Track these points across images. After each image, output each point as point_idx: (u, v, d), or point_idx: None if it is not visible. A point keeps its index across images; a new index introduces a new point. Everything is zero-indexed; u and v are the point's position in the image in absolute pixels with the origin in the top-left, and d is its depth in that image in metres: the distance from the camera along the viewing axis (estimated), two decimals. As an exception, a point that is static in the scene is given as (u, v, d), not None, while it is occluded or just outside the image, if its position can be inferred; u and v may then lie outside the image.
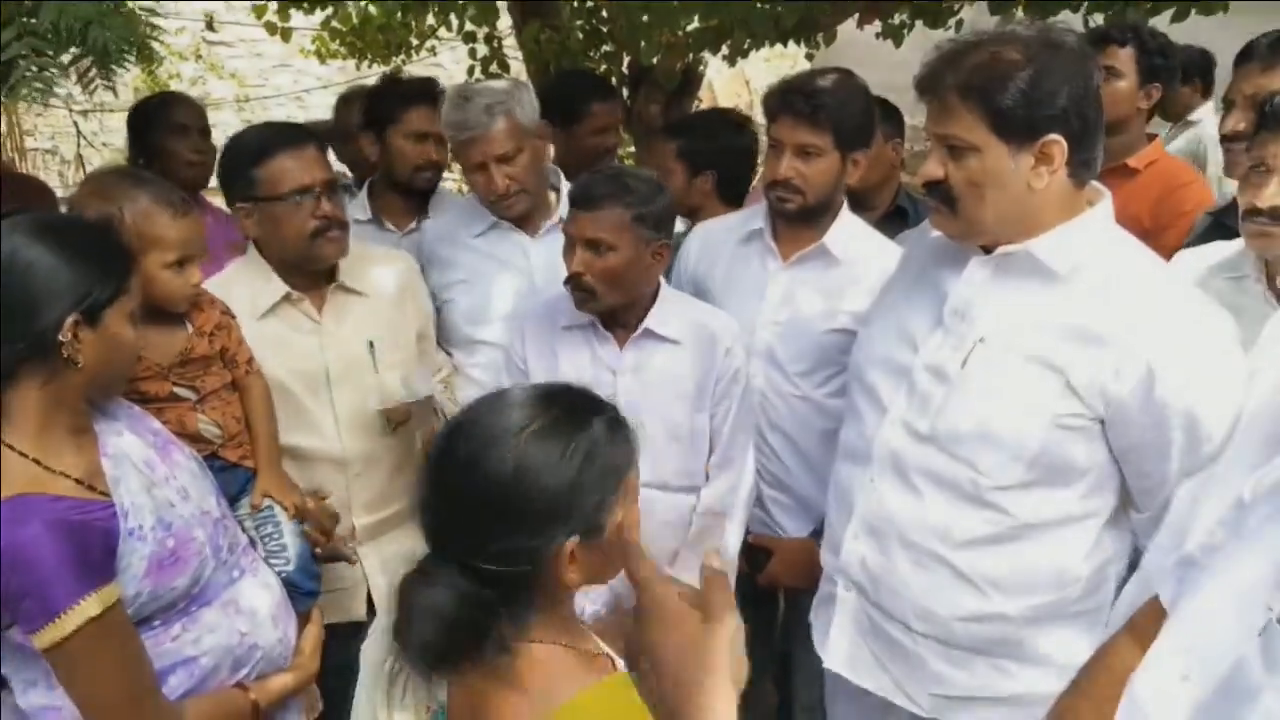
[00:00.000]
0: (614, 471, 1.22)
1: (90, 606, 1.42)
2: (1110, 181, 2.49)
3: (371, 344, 2.27)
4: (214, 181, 2.51)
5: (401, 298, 2.39)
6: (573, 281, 2.12)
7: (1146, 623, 1.37)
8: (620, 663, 1.33)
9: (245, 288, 2.20)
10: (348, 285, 2.28)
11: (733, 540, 2.29)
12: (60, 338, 1.46)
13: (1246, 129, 2.14)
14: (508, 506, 1.17)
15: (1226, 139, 2.34)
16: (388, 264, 2.43)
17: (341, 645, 1.97)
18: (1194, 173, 2.96)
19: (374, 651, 1.31)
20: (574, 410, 1.23)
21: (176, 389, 1.91)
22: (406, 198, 2.96)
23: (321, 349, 2.24)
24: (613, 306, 2.16)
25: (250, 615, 1.70)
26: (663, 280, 2.26)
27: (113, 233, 1.64)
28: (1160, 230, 2.63)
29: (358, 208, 2.94)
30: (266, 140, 2.18)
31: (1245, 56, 2.43)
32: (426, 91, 2.93)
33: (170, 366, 1.90)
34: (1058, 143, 1.59)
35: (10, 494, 1.41)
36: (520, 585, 1.18)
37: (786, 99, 2.24)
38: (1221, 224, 2.34)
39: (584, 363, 2.20)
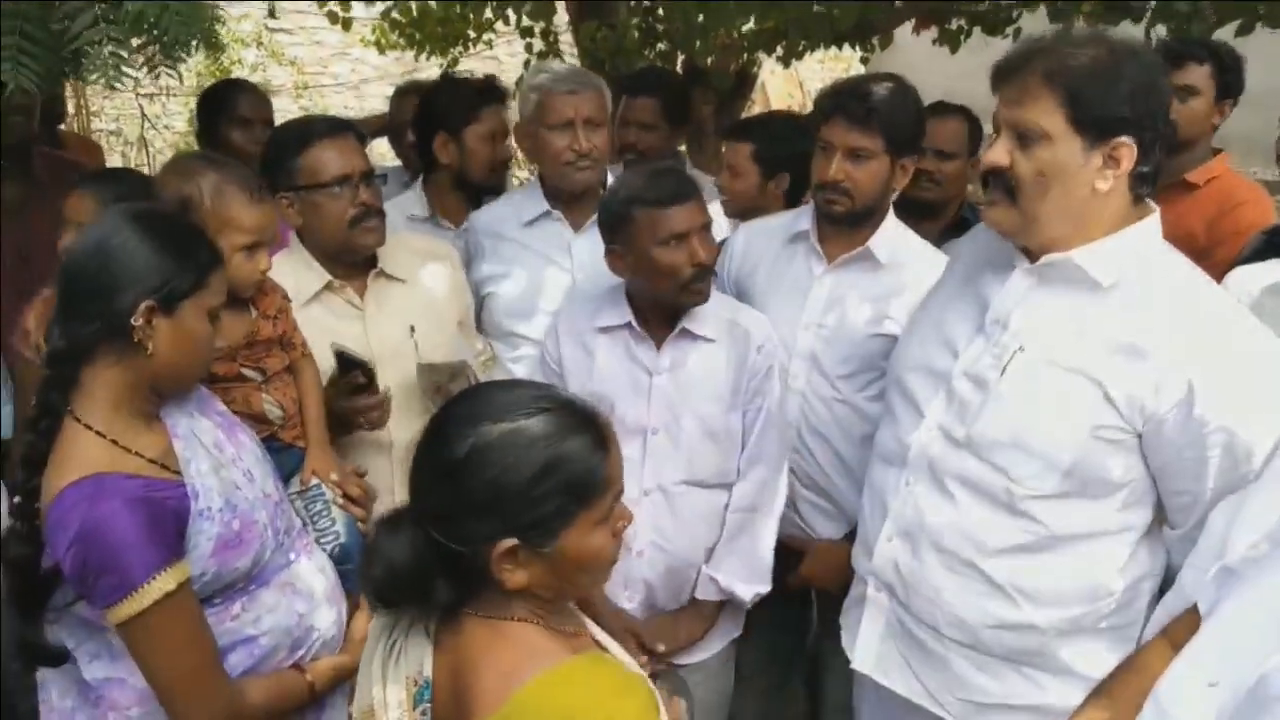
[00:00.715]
0: (579, 490, 1.23)
1: (166, 582, 1.47)
2: (1168, 196, 2.47)
3: (413, 328, 2.30)
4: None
5: (442, 285, 2.43)
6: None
7: (1182, 632, 1.37)
8: (615, 650, 1.35)
9: (289, 277, 2.24)
10: (388, 272, 2.32)
11: (767, 537, 2.30)
12: (133, 321, 1.50)
13: None
14: (456, 487, 1.22)
15: None
16: (428, 253, 2.48)
17: None
18: (1255, 190, 2.91)
19: (378, 625, 1.36)
20: (558, 419, 1.25)
21: (244, 370, 1.96)
22: (468, 196, 2.99)
23: (365, 334, 2.28)
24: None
25: (307, 596, 1.73)
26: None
27: (201, 230, 1.68)
28: (1214, 246, 2.59)
29: (415, 203, 2.98)
30: (307, 131, 2.24)
31: None
32: (495, 90, 2.99)
33: (237, 348, 1.94)
34: (1128, 146, 1.58)
35: (88, 472, 1.46)
36: (459, 563, 1.23)
37: (840, 101, 2.26)
38: (1275, 243, 2.31)
39: (620, 363, 2.22)
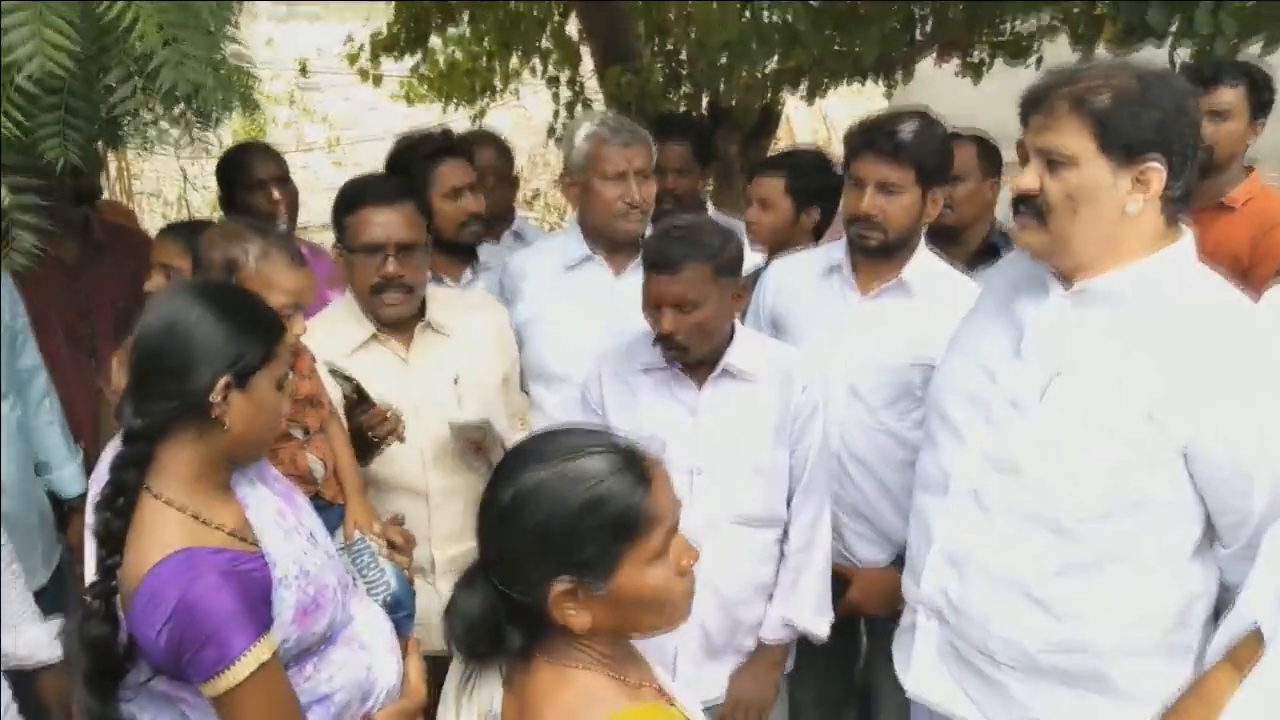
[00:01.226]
0: (621, 526, 1.25)
1: (261, 652, 1.48)
2: (1207, 218, 2.46)
3: (456, 379, 2.35)
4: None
5: (489, 342, 2.47)
6: (664, 341, 2.16)
7: (1247, 653, 1.35)
8: (680, 701, 1.36)
9: (339, 325, 2.32)
10: (435, 325, 2.38)
11: (826, 570, 2.31)
12: (211, 399, 1.52)
13: None
14: (506, 533, 1.27)
15: None
16: (479, 310, 2.54)
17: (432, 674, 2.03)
18: None
19: (458, 660, 1.39)
20: (599, 460, 1.26)
21: (290, 427, 1.99)
22: (453, 252, 2.88)
23: (408, 385, 2.32)
24: (705, 355, 2.20)
25: (372, 649, 1.75)
26: (737, 319, 2.30)
27: (264, 302, 1.71)
28: (1255, 266, 2.58)
29: None
30: (360, 192, 2.31)
31: None
32: (449, 145, 2.91)
33: None
34: (1157, 169, 1.60)
35: (176, 548, 1.48)
36: (524, 610, 1.27)
37: (869, 136, 2.30)
38: None
39: (662, 404, 2.24)
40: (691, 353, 2.17)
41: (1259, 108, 2.82)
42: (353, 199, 2.29)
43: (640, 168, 2.56)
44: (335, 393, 2.21)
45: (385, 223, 2.25)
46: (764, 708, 2.29)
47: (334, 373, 2.18)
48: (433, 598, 2.31)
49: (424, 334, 2.37)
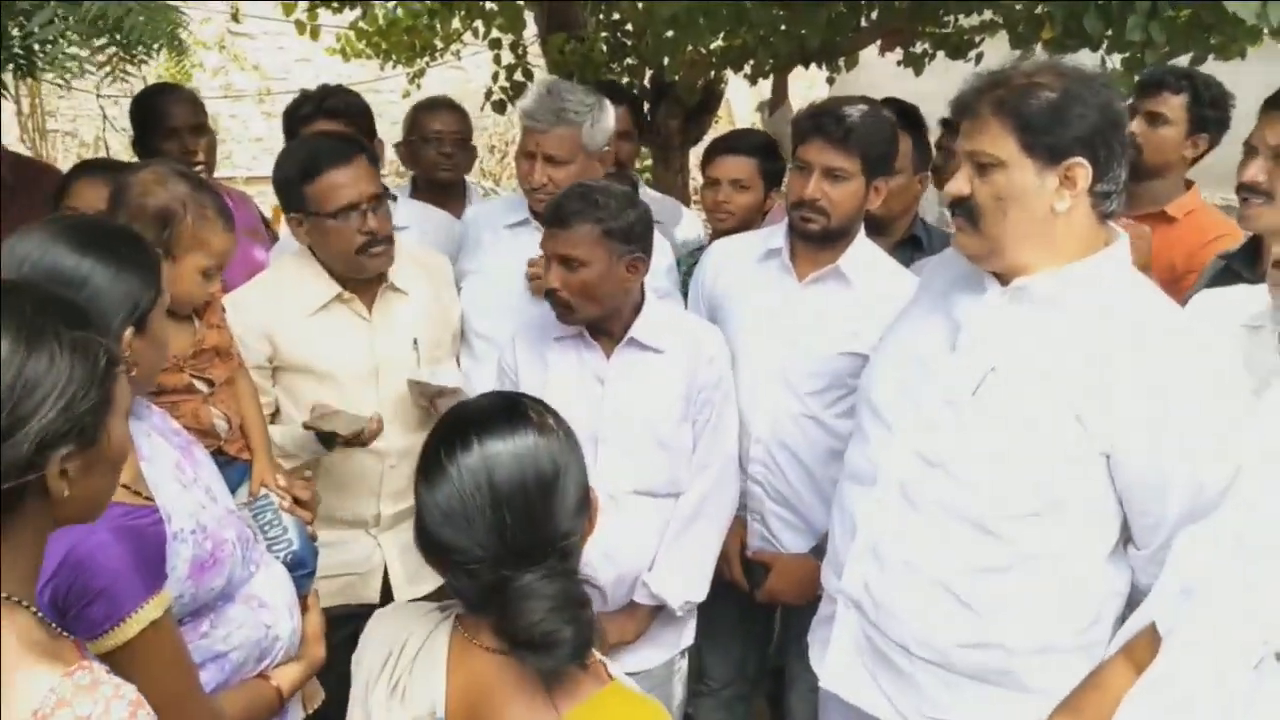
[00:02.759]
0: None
1: (152, 610, 1.44)
2: (1149, 226, 2.50)
3: (416, 341, 2.37)
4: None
5: (440, 298, 2.50)
6: (550, 296, 2.18)
7: (1141, 648, 1.39)
8: (611, 665, 1.36)
9: (298, 285, 2.31)
10: (396, 285, 2.38)
11: (708, 547, 2.33)
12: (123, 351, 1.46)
13: (1266, 182, 2.11)
14: (563, 485, 1.29)
15: (1244, 188, 2.20)
16: (427, 265, 2.54)
17: (340, 623, 2.00)
18: (1230, 225, 2.91)
19: (370, 660, 1.34)
20: (526, 400, 1.36)
21: (194, 380, 1.95)
22: None
23: (371, 346, 2.34)
24: (591, 318, 2.21)
25: (270, 607, 1.73)
26: (649, 291, 2.31)
27: (139, 235, 1.64)
28: (1185, 275, 2.64)
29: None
30: (317, 156, 2.25)
31: (1273, 104, 2.26)
32: (319, 108, 2.91)
33: (185, 358, 1.92)
34: (1082, 166, 1.63)
35: None
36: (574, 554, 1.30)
37: (819, 122, 2.30)
38: (1232, 269, 2.36)
39: (572, 371, 2.25)
40: (576, 313, 2.18)
41: (1201, 123, 2.86)
42: (309, 165, 2.24)
43: (549, 153, 2.54)
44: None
45: (354, 180, 2.22)
46: (608, 641, 2.24)
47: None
48: (374, 551, 2.37)
49: (385, 294, 2.38)
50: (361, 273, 2.31)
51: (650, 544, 2.26)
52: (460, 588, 1.29)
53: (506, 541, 1.23)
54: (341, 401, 2.27)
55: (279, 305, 2.30)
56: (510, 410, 1.31)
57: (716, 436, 2.29)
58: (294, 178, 2.25)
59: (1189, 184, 2.96)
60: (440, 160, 3.42)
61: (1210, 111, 2.84)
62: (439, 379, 2.34)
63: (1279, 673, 1.09)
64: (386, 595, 2.38)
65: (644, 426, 2.22)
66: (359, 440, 2.24)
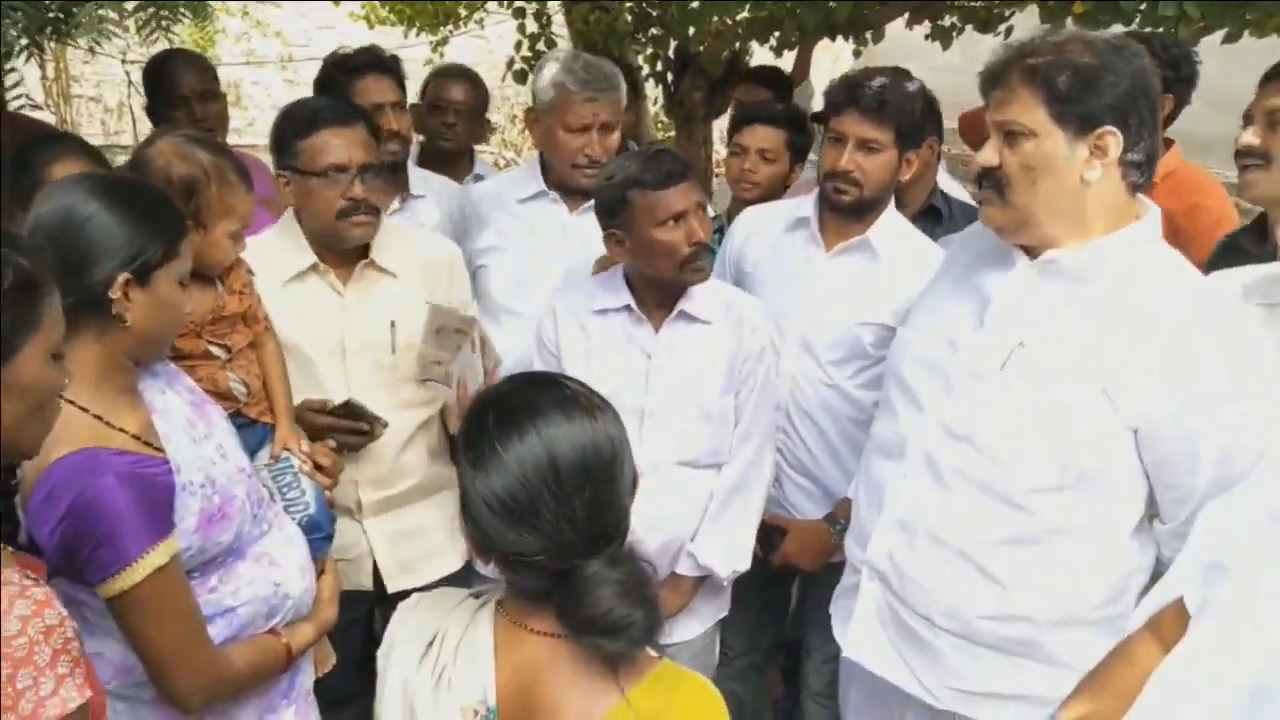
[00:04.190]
0: None
1: (158, 556, 1.48)
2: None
3: (393, 324, 2.27)
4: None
5: (436, 284, 2.37)
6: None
7: (1169, 624, 1.39)
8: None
9: (278, 252, 2.24)
10: (379, 264, 2.29)
11: (751, 516, 2.33)
12: (111, 294, 1.49)
13: (1261, 146, 2.12)
14: (621, 471, 1.27)
15: (1241, 154, 2.20)
16: (429, 248, 2.44)
17: (343, 611, 1.99)
18: (1214, 185, 2.90)
19: (404, 654, 1.32)
20: (568, 381, 1.32)
21: (210, 346, 1.96)
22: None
23: (341, 322, 2.26)
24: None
25: (281, 566, 1.75)
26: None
27: (167, 197, 1.67)
28: (1184, 246, 2.60)
29: None
30: (315, 114, 2.22)
31: (1271, 76, 2.25)
32: (374, 61, 2.81)
33: (204, 324, 1.93)
34: (1113, 134, 1.62)
35: (76, 447, 1.45)
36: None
37: (854, 94, 2.29)
38: (1238, 246, 2.32)
39: (618, 346, 2.24)
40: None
41: (1165, 83, 2.83)
42: (306, 121, 2.19)
43: (606, 121, 2.52)
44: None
45: (347, 144, 2.17)
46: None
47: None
48: (361, 538, 2.32)
49: (365, 271, 2.28)
50: (340, 241, 2.22)
51: (693, 515, 2.27)
52: (519, 579, 1.26)
53: (578, 530, 1.20)
54: (308, 377, 2.22)
55: (257, 271, 2.19)
56: (558, 393, 1.27)
57: (759, 407, 2.29)
58: (288, 133, 2.20)
59: (1168, 143, 2.92)
60: (441, 129, 3.41)
61: (1171, 72, 2.80)
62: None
63: None
64: (380, 583, 2.35)
65: (690, 399, 2.21)
66: (367, 438, 2.21)
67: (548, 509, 1.19)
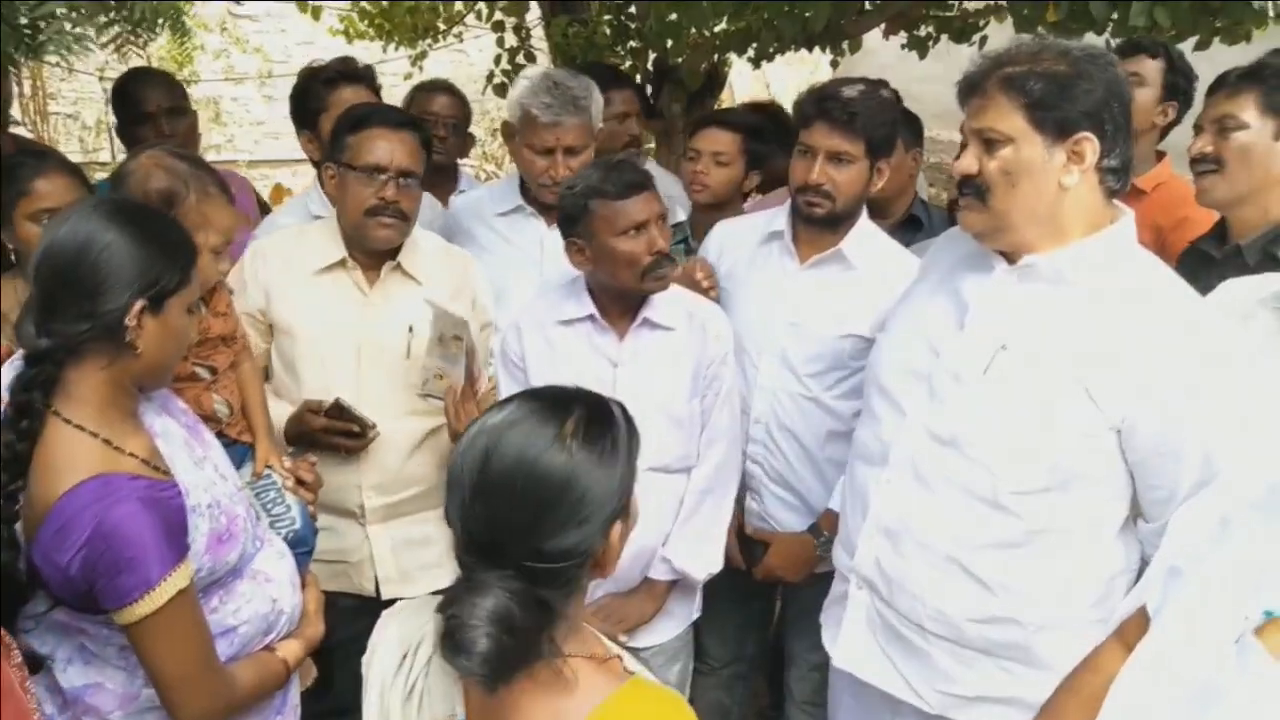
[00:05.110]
0: (634, 454, 1.27)
1: (179, 580, 1.47)
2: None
3: (411, 329, 2.29)
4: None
5: (458, 294, 2.41)
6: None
7: (1132, 629, 1.40)
8: (627, 658, 1.34)
9: (315, 242, 2.31)
10: (405, 269, 2.34)
11: (722, 518, 2.35)
12: (127, 322, 1.48)
13: (1214, 152, 2.21)
14: (569, 504, 1.18)
15: (1195, 162, 2.29)
16: (452, 260, 2.49)
17: (345, 618, 2.01)
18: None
19: (383, 663, 1.32)
20: (595, 407, 1.26)
21: (196, 368, 1.96)
22: None
23: (361, 321, 2.30)
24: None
25: (277, 583, 1.75)
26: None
27: (178, 224, 1.67)
28: (1161, 254, 2.63)
29: (317, 201, 2.65)
30: (369, 113, 2.30)
31: (1217, 85, 2.38)
32: (349, 72, 2.85)
33: (190, 347, 1.91)
34: (1089, 140, 1.65)
35: (89, 474, 1.43)
36: (573, 579, 1.21)
37: (823, 106, 2.29)
38: (1199, 250, 2.36)
39: (582, 356, 2.24)
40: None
41: (1173, 89, 2.88)
42: (360, 118, 2.27)
43: (569, 145, 2.53)
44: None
45: (391, 146, 2.23)
46: (630, 621, 2.29)
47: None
48: (364, 543, 2.34)
49: (391, 274, 2.33)
50: (363, 240, 2.26)
51: (665, 519, 2.28)
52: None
53: (469, 529, 1.19)
54: (321, 370, 2.25)
55: (289, 260, 2.30)
56: (563, 410, 1.23)
57: (724, 411, 2.31)
58: (343, 127, 2.27)
59: (1160, 155, 2.95)
60: (432, 143, 3.42)
61: (1181, 80, 2.87)
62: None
63: (1256, 649, 1.10)
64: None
65: (658, 405, 2.22)
66: (358, 440, 2.23)
67: (459, 496, 1.20)
